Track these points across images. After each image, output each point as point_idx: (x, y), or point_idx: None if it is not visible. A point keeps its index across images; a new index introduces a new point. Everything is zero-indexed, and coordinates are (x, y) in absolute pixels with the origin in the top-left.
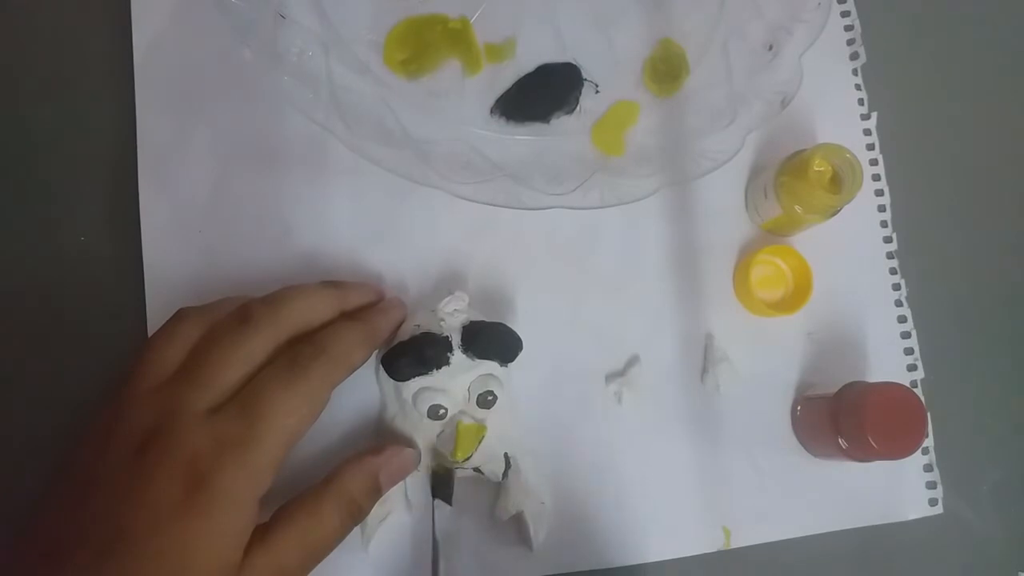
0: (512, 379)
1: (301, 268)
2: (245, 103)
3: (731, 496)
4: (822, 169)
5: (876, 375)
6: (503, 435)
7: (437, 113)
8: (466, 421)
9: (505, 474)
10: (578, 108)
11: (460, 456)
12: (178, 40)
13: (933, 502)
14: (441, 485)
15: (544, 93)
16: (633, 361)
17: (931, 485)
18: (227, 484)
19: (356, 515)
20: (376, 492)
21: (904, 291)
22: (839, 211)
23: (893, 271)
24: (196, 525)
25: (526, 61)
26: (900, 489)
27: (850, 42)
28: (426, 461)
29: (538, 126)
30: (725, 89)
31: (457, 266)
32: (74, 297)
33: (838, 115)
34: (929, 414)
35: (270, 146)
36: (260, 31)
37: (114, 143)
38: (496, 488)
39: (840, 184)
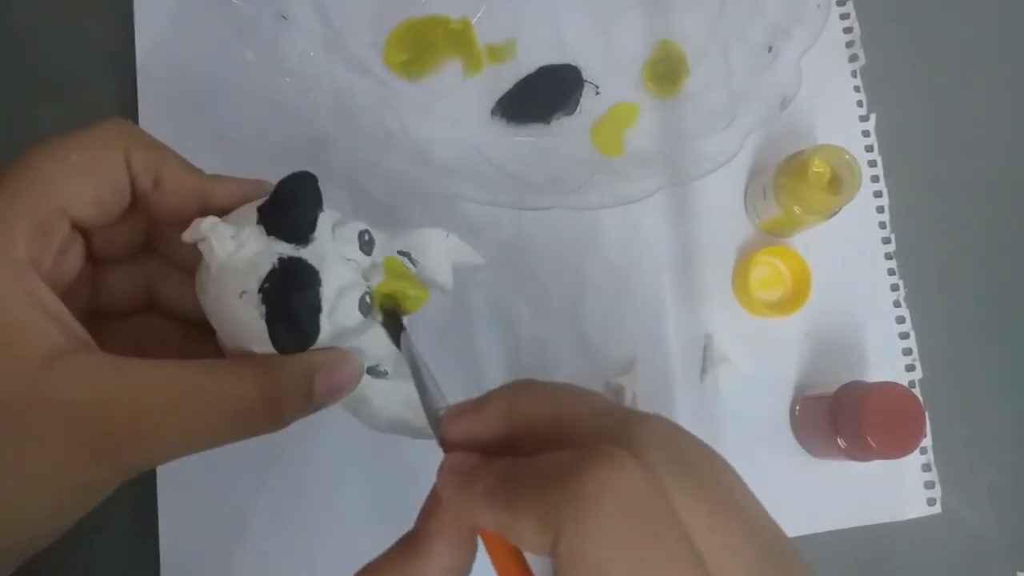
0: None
1: None
2: (246, 104)
3: None
4: (821, 170)
5: (875, 375)
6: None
7: (438, 114)
8: (380, 280)
9: (413, 262)
10: (578, 109)
11: (416, 304)
12: (180, 41)
13: (931, 501)
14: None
15: (544, 94)
16: (633, 361)
17: (929, 484)
18: None
19: (273, 414)
20: (305, 400)
21: (903, 291)
22: (838, 212)
23: (892, 272)
24: None
25: (527, 62)
26: (898, 488)
27: (849, 44)
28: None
29: (538, 127)
30: (725, 90)
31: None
32: None
33: (837, 116)
34: (927, 414)
35: (271, 147)
36: (261, 32)
37: None
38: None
39: (839, 185)
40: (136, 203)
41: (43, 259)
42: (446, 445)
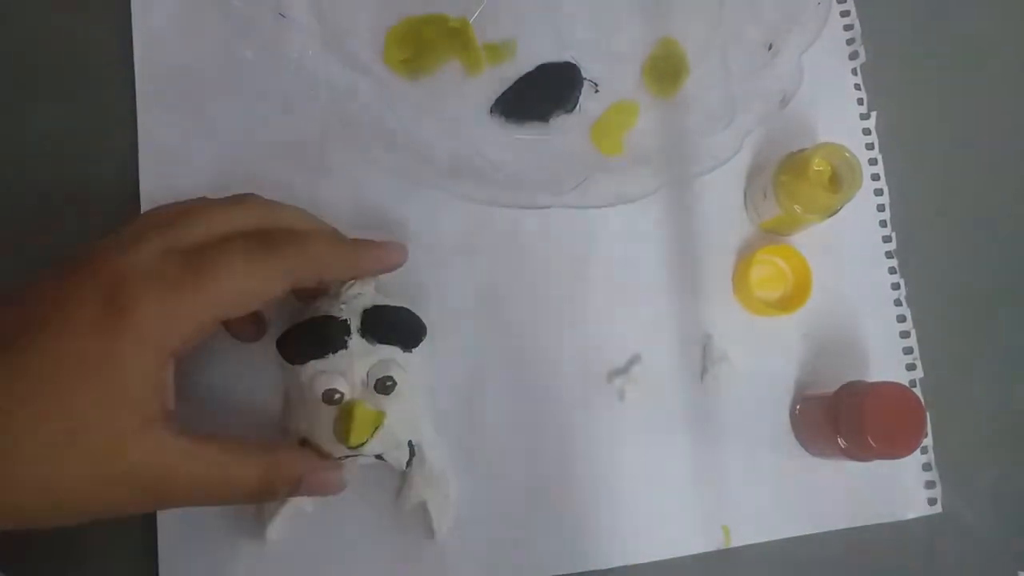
0: (417, 365)
1: None
2: (245, 103)
3: (730, 495)
4: (821, 168)
5: (875, 374)
6: (407, 422)
7: (437, 113)
8: (365, 407)
9: (409, 463)
10: (578, 108)
11: (353, 442)
12: (179, 40)
13: (932, 501)
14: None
15: (544, 93)
16: (633, 361)
17: (930, 484)
18: (140, 317)
19: (265, 494)
20: (293, 490)
21: (903, 291)
22: (838, 211)
23: (892, 270)
24: (99, 346)
25: (526, 61)
26: (899, 488)
27: (850, 41)
28: (327, 450)
29: (538, 126)
30: (724, 89)
31: (457, 265)
32: None
33: (837, 114)
34: (928, 413)
35: (270, 145)
36: (260, 31)
37: (115, 143)
38: (401, 476)
39: (839, 184)
40: None
41: (190, 345)
42: None
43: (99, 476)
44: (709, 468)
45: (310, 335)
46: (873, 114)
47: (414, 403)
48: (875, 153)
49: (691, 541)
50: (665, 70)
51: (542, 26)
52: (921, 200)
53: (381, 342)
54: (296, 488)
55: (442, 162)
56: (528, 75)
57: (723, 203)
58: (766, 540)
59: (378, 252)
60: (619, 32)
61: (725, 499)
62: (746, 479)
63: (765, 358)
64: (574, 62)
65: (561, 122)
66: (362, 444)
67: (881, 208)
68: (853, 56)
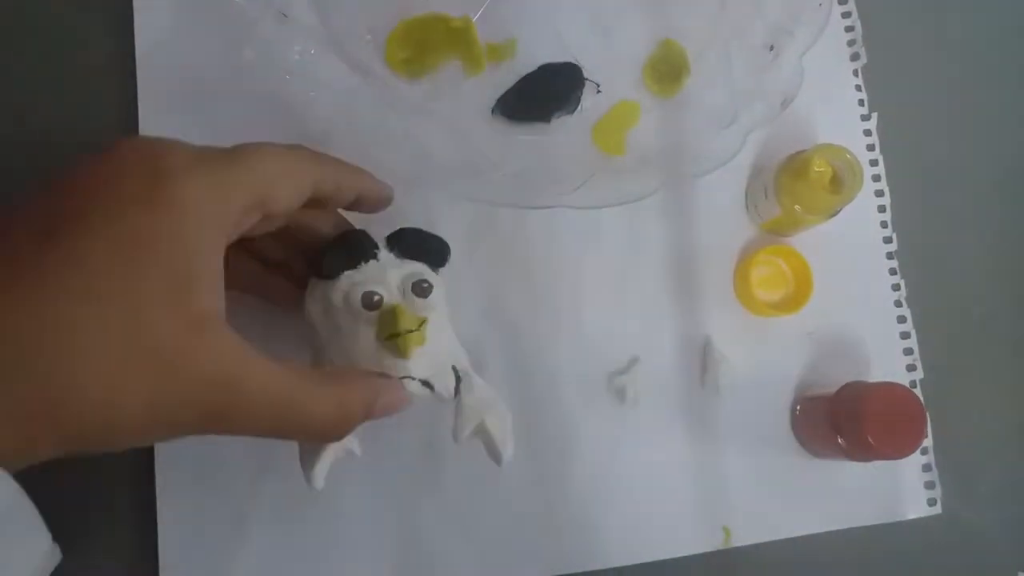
0: (444, 289)
1: None
2: (246, 103)
3: (731, 495)
4: (822, 169)
5: (876, 375)
6: (447, 346)
7: (438, 113)
8: (406, 309)
9: (457, 389)
10: (579, 108)
11: (401, 329)
12: (180, 40)
13: (932, 502)
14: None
15: (545, 93)
16: (633, 361)
17: (930, 485)
18: (192, 188)
19: (339, 429)
20: (365, 418)
21: (904, 291)
22: (839, 211)
23: (893, 271)
24: (153, 221)
25: (527, 61)
26: (899, 489)
27: (851, 43)
28: (371, 366)
29: (539, 126)
30: (726, 89)
31: (457, 265)
32: None
33: (838, 116)
34: (928, 414)
35: None
36: (262, 30)
37: None
38: (452, 407)
39: (840, 185)
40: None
41: (235, 233)
42: None
43: (164, 387)
44: (709, 468)
45: (341, 248)
46: (874, 115)
47: (449, 329)
48: (876, 154)
49: (691, 541)
50: (666, 71)
51: (544, 26)
52: (922, 201)
53: (407, 257)
54: (369, 414)
55: (443, 162)
56: (530, 75)
57: (724, 203)
58: (766, 540)
59: (372, 179)
60: (620, 32)
61: (725, 499)
62: (746, 479)
63: (765, 359)
64: (576, 62)
65: (563, 122)
66: (409, 348)
67: (882, 209)
68: (854, 58)
